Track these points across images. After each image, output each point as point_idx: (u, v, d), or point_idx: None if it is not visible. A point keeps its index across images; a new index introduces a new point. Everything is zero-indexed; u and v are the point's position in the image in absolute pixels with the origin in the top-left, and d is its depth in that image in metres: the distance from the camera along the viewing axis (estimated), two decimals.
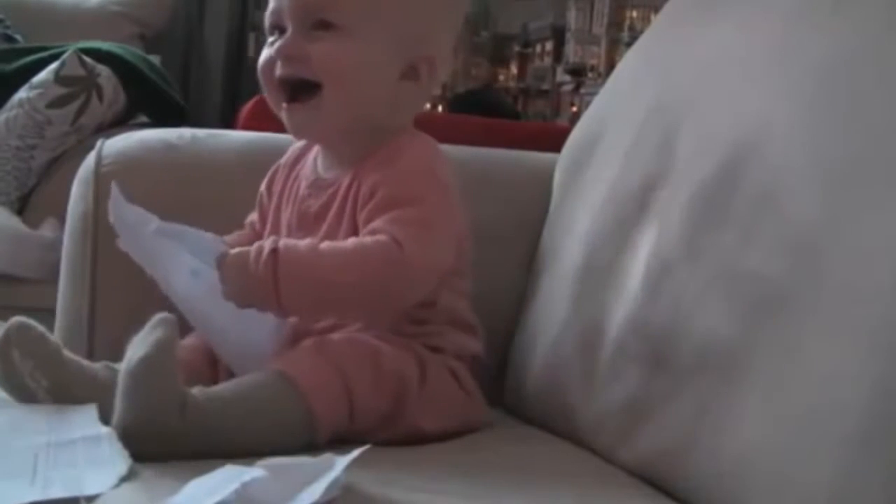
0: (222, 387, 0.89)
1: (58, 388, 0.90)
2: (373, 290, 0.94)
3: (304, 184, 1.05)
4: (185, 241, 0.97)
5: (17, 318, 0.92)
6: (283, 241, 0.93)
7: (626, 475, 0.92)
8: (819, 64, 0.85)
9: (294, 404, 0.88)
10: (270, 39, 1.02)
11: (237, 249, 0.94)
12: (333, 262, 0.93)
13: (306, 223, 1.03)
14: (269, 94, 1.03)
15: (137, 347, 0.84)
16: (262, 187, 1.11)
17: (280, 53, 1.00)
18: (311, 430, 0.88)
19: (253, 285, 0.91)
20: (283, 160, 1.11)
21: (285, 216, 1.06)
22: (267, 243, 0.92)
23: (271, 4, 1.02)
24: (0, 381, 0.91)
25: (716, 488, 0.81)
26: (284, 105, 1.01)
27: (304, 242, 0.94)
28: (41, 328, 0.92)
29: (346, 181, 1.01)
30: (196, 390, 0.86)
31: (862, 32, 0.83)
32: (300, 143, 1.10)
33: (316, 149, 1.08)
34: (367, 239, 0.94)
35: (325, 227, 1.01)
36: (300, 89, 1.00)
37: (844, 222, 0.76)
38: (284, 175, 1.09)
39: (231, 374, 0.97)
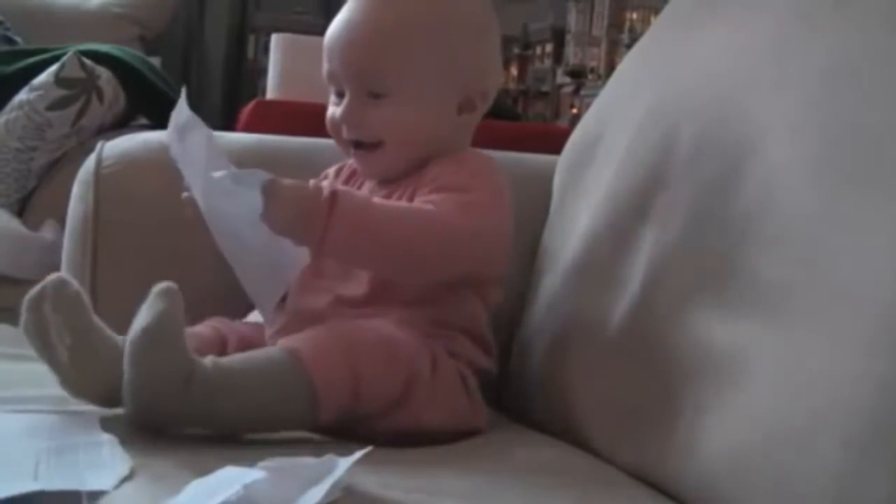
0: (232, 358, 0.91)
1: (78, 348, 0.91)
2: (415, 244, 0.97)
3: (367, 184, 1.10)
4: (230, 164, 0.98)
5: (58, 274, 0.94)
6: (341, 188, 0.96)
7: (626, 476, 0.92)
8: (819, 64, 0.85)
9: (298, 381, 0.89)
10: (333, 98, 1.08)
11: (291, 181, 0.95)
12: (384, 213, 0.97)
13: None
14: (337, 144, 1.09)
15: (141, 317, 0.85)
16: (332, 169, 1.15)
17: (343, 120, 1.05)
18: (314, 409, 0.89)
19: (304, 217, 0.93)
20: (349, 161, 1.13)
21: None
22: (326, 186, 0.94)
23: (325, 64, 1.07)
24: (27, 330, 0.92)
25: (716, 490, 0.80)
26: (352, 151, 1.07)
27: (360, 193, 0.99)
28: (78, 287, 0.93)
29: (410, 185, 1.05)
30: (208, 360, 0.88)
31: (862, 32, 0.83)
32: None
33: None
34: (419, 205, 0.99)
35: None
36: (363, 143, 1.06)
37: (845, 222, 0.76)
38: (349, 171, 1.14)
39: None
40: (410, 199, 1.03)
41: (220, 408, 0.86)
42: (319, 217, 0.92)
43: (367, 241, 0.96)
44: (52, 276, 0.93)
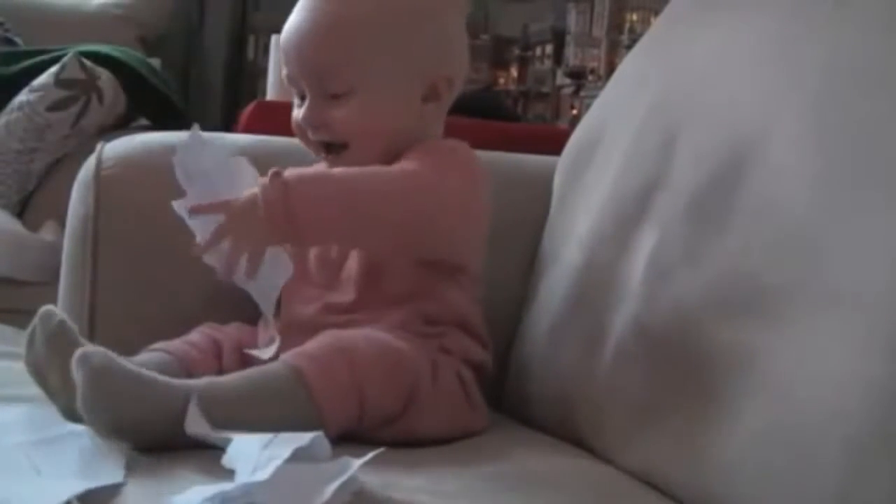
0: (232, 377, 0.89)
1: (68, 372, 0.90)
2: (392, 200, 0.95)
3: None
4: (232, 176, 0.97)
5: (44, 308, 0.94)
6: (289, 172, 0.93)
7: (627, 478, 0.92)
8: (820, 64, 0.85)
9: (303, 403, 0.87)
10: (296, 101, 1.06)
11: (240, 200, 0.93)
12: (341, 177, 0.95)
13: None
14: (307, 147, 1.07)
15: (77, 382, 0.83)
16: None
17: (306, 122, 1.04)
18: (318, 429, 0.88)
19: (265, 220, 0.91)
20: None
21: None
22: (269, 178, 0.92)
23: (283, 69, 1.06)
24: (27, 367, 0.95)
25: (717, 493, 0.80)
26: (323, 156, 1.06)
27: (312, 169, 0.98)
28: (62, 315, 0.93)
29: None
30: (205, 381, 0.86)
31: (863, 32, 0.83)
32: None
33: None
34: (384, 167, 0.98)
35: None
36: (331, 145, 1.04)
37: (846, 224, 0.76)
38: None
39: (241, 366, 0.98)
40: None
41: (218, 429, 0.83)
42: (279, 211, 0.91)
43: (336, 209, 0.94)
44: (40, 311, 0.93)
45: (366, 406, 0.90)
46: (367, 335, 0.94)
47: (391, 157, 1.03)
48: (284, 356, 0.91)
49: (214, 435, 0.80)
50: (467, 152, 1.05)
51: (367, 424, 0.91)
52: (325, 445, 0.78)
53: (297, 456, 0.73)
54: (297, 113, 1.05)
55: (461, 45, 1.10)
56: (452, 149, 1.04)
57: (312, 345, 0.92)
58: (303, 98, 1.05)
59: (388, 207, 0.96)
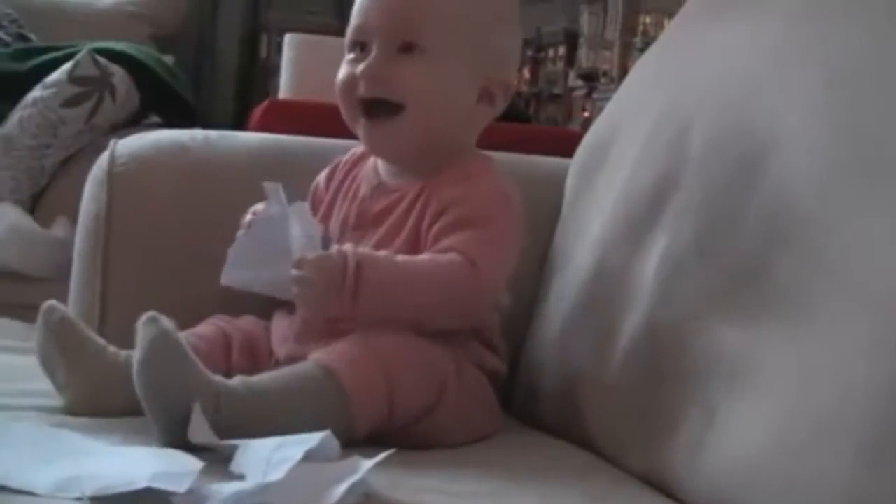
0: (264, 377, 0.89)
1: (74, 366, 0.94)
2: (445, 308, 0.97)
3: (364, 185, 1.07)
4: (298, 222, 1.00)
5: (47, 303, 0.96)
6: (364, 254, 0.94)
7: (636, 480, 0.92)
8: (831, 66, 0.85)
9: (334, 400, 0.88)
10: (350, 56, 1.03)
11: (318, 255, 0.94)
12: (412, 281, 0.95)
13: (364, 223, 1.04)
14: (345, 110, 1.04)
15: (138, 351, 0.84)
16: (321, 177, 1.13)
17: (365, 74, 1.01)
18: (350, 426, 0.88)
19: (332, 294, 0.92)
20: (345, 158, 1.12)
21: (339, 212, 1.08)
22: (350, 256, 0.93)
23: (355, 20, 1.03)
24: (40, 363, 0.96)
25: (726, 494, 0.80)
26: (363, 121, 1.03)
27: (382, 255, 0.96)
28: (65, 310, 0.96)
29: (412, 191, 1.03)
30: (237, 381, 0.86)
31: (870, 34, 0.83)
32: (362, 147, 1.11)
33: None
34: (443, 257, 0.96)
35: (383, 230, 1.02)
36: (380, 107, 1.02)
37: (857, 224, 0.76)
38: (343, 172, 1.11)
39: (250, 361, 0.99)
40: (418, 222, 1.00)
41: (253, 431, 0.82)
42: (347, 293, 0.92)
43: (396, 305, 0.95)
44: (43, 306, 0.95)
45: (396, 404, 0.90)
46: (395, 336, 0.94)
47: (429, 160, 1.02)
48: (315, 355, 0.91)
49: (220, 442, 0.80)
50: (515, 196, 1.03)
51: (397, 423, 0.91)
52: (334, 444, 0.78)
53: (309, 456, 0.73)
54: (352, 68, 1.02)
55: (517, 64, 1.11)
56: (506, 198, 1.02)
57: (342, 345, 0.92)
58: (362, 51, 1.02)
59: (437, 308, 0.96)
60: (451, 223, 0.98)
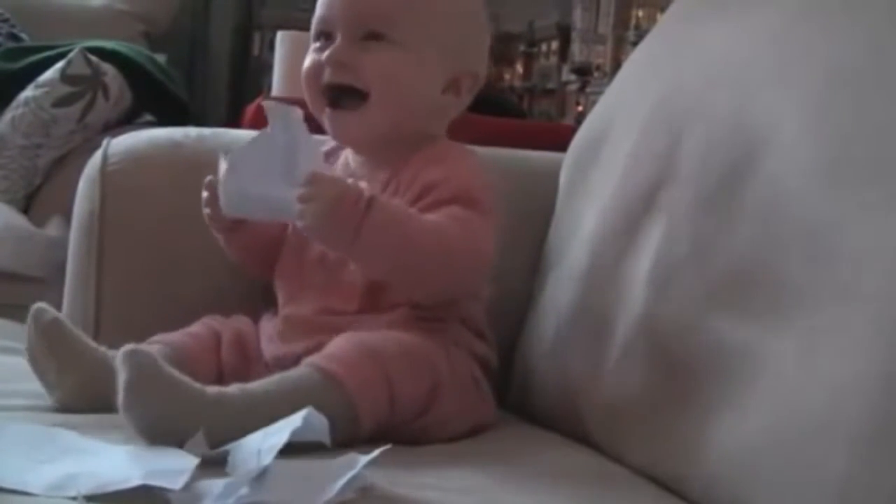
0: (261, 384, 0.88)
1: (64, 366, 0.94)
2: (442, 271, 0.96)
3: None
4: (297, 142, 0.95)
5: (36, 305, 0.96)
6: (377, 195, 0.94)
7: (632, 475, 0.92)
8: (826, 64, 0.85)
9: (337, 401, 0.87)
10: (316, 45, 1.04)
11: (333, 175, 0.94)
12: (415, 234, 0.94)
13: None
14: (310, 99, 1.04)
15: (121, 376, 0.83)
16: None
17: (330, 60, 1.01)
18: (355, 426, 0.88)
19: (339, 218, 0.91)
20: (323, 149, 1.11)
21: None
22: (365, 190, 0.92)
23: (319, 11, 1.04)
24: (29, 363, 0.96)
25: (723, 489, 0.80)
26: (327, 110, 1.03)
27: (395, 202, 0.96)
28: (54, 312, 0.96)
29: (382, 176, 1.03)
30: (235, 388, 0.86)
31: (869, 33, 0.83)
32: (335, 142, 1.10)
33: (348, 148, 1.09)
34: (445, 220, 0.96)
35: None
36: (344, 96, 1.02)
37: (853, 222, 0.76)
38: None
39: (241, 360, 0.99)
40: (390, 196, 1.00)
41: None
42: (352, 224, 0.91)
43: (395, 251, 0.94)
44: (33, 308, 0.95)
45: (396, 399, 0.91)
46: (385, 333, 0.94)
47: (395, 146, 1.02)
48: (308, 360, 0.91)
49: (214, 452, 0.79)
50: (492, 184, 1.02)
51: (399, 418, 0.91)
52: (320, 418, 0.78)
53: (297, 435, 0.73)
54: (317, 56, 1.02)
55: (486, 59, 1.10)
56: (486, 183, 1.01)
57: (333, 348, 0.92)
58: (328, 40, 1.02)
59: (434, 268, 0.96)
60: (436, 200, 0.98)
